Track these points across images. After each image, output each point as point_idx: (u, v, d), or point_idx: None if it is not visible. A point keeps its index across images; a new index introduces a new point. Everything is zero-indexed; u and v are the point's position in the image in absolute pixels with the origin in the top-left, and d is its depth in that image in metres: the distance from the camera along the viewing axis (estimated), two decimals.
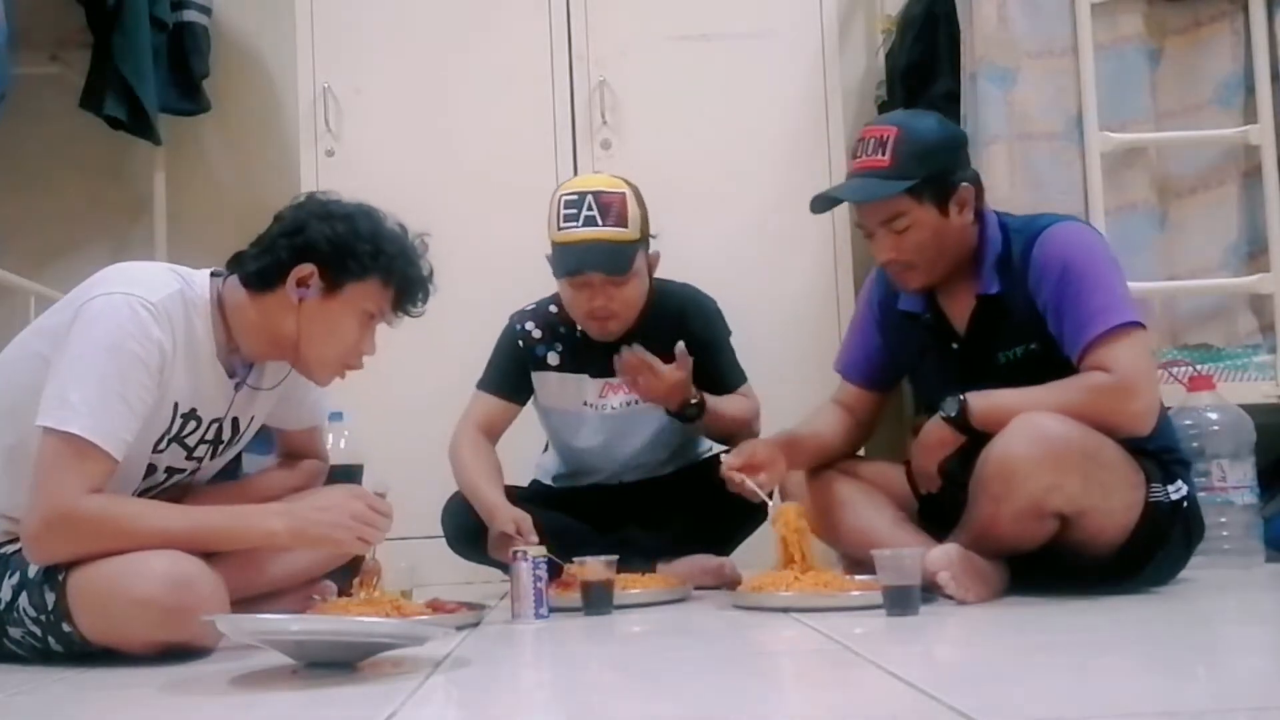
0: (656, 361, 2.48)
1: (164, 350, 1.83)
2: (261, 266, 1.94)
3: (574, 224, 2.49)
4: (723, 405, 2.59)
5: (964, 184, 2.21)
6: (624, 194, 2.52)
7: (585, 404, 2.68)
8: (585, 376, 2.66)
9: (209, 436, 2.02)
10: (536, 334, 2.68)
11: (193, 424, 1.97)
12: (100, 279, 1.89)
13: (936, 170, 2.18)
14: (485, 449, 2.61)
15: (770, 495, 2.30)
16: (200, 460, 2.04)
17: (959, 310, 2.28)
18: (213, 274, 1.98)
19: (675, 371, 2.48)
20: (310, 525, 1.88)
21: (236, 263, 1.98)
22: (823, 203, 2.30)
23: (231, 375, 2.00)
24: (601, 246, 2.48)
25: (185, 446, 1.99)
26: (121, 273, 1.90)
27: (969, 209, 2.22)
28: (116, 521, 1.77)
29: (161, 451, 1.94)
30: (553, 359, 2.67)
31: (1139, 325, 2.11)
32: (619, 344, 2.56)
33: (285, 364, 2.06)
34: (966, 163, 2.28)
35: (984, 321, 2.24)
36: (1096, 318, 2.08)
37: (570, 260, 2.50)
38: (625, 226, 2.50)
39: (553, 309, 2.69)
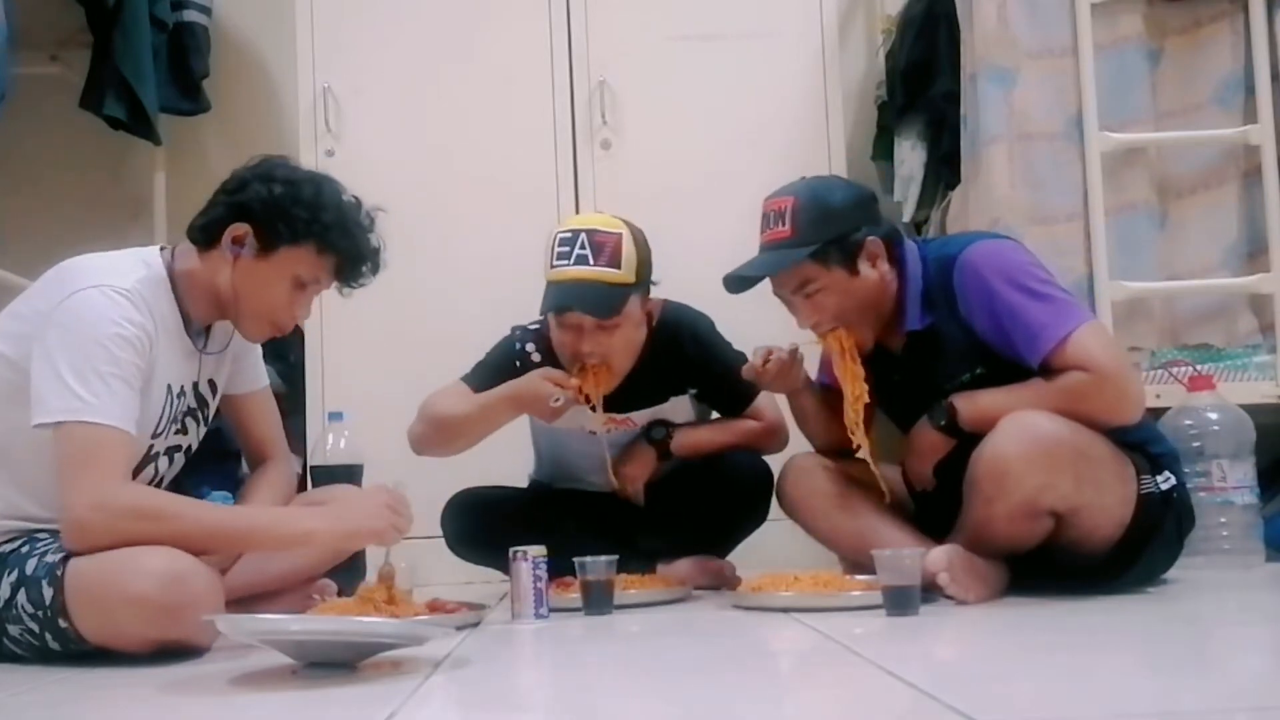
0: (629, 477, 2.56)
1: (147, 331, 1.87)
2: (204, 222, 1.98)
3: (565, 262, 2.39)
4: (695, 436, 2.58)
5: (870, 239, 2.20)
6: (619, 235, 2.41)
7: (583, 428, 2.59)
8: (584, 408, 2.52)
9: (185, 407, 2.04)
10: (536, 358, 2.57)
11: (180, 400, 2.00)
12: (67, 276, 1.90)
13: (839, 232, 2.19)
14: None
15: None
16: (188, 431, 2.06)
17: (895, 346, 2.28)
18: (161, 249, 2.01)
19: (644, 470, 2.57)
20: (347, 524, 1.92)
21: (192, 223, 2.02)
22: (736, 283, 2.27)
23: (195, 345, 2.03)
24: (590, 287, 2.37)
25: (176, 422, 2.01)
26: (87, 268, 1.91)
27: (881, 261, 2.22)
28: (154, 509, 1.80)
29: (160, 435, 1.96)
30: None
31: (1088, 318, 2.11)
32: (619, 384, 2.50)
33: (229, 325, 2.08)
34: (874, 217, 2.26)
35: (919, 355, 2.24)
36: (1045, 331, 2.06)
37: (556, 297, 2.40)
38: (618, 268, 2.38)
39: None
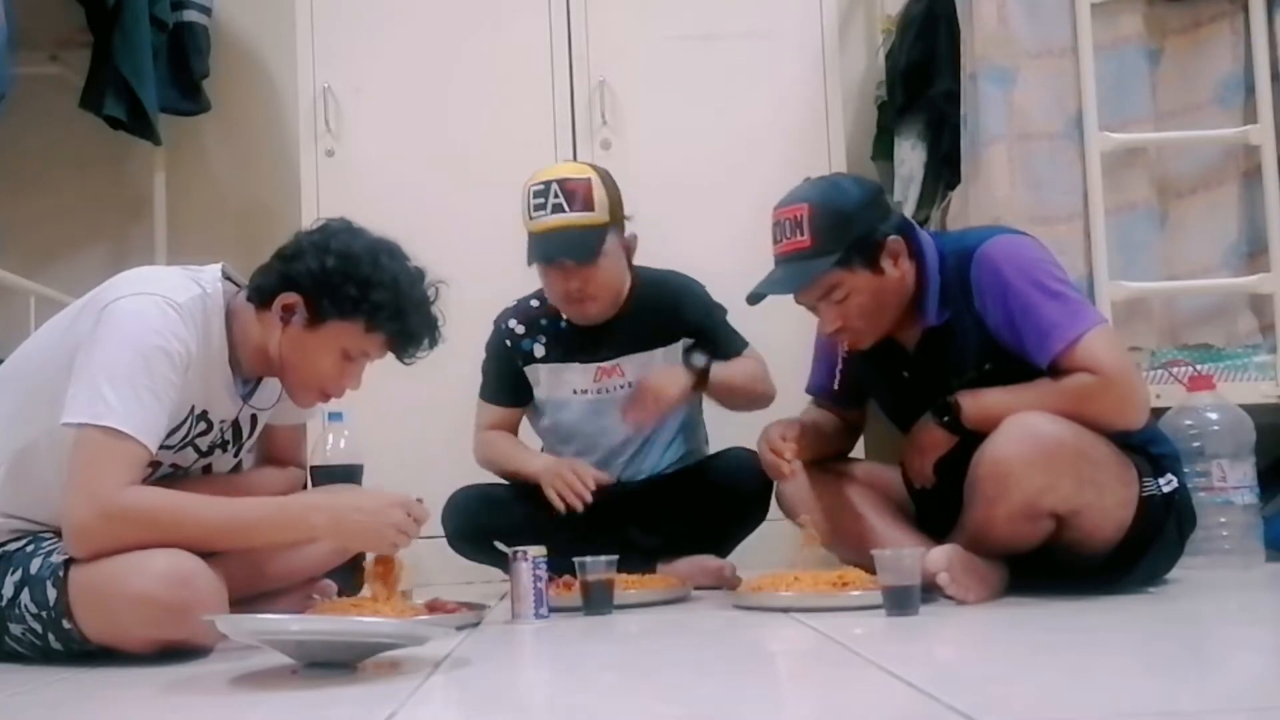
0: (659, 387, 2.57)
1: (189, 349, 1.86)
2: (259, 284, 1.97)
3: (543, 212, 2.55)
4: (730, 370, 2.65)
5: (890, 237, 2.18)
6: (589, 179, 2.57)
7: (574, 391, 2.72)
8: (574, 364, 2.70)
9: (217, 440, 2.04)
10: (520, 329, 2.74)
11: (203, 425, 1.99)
12: (121, 282, 1.90)
13: (858, 234, 2.16)
14: (508, 434, 2.77)
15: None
16: (210, 459, 2.06)
17: (908, 341, 2.28)
18: (224, 274, 1.99)
19: (675, 388, 2.58)
20: (350, 525, 1.90)
21: (250, 281, 2.00)
22: (757, 299, 2.26)
23: (238, 389, 2.01)
24: (569, 233, 2.54)
25: (197, 449, 2.01)
26: (142, 276, 1.92)
27: (903, 257, 2.20)
28: (157, 513, 1.78)
29: (169, 448, 1.95)
30: (539, 351, 2.73)
31: (1100, 322, 2.11)
32: (605, 330, 2.65)
33: (278, 382, 2.07)
34: (887, 212, 2.24)
35: (932, 351, 2.23)
36: (1056, 331, 2.06)
37: (540, 248, 2.56)
38: (592, 210, 2.55)
39: (534, 303, 2.76)
